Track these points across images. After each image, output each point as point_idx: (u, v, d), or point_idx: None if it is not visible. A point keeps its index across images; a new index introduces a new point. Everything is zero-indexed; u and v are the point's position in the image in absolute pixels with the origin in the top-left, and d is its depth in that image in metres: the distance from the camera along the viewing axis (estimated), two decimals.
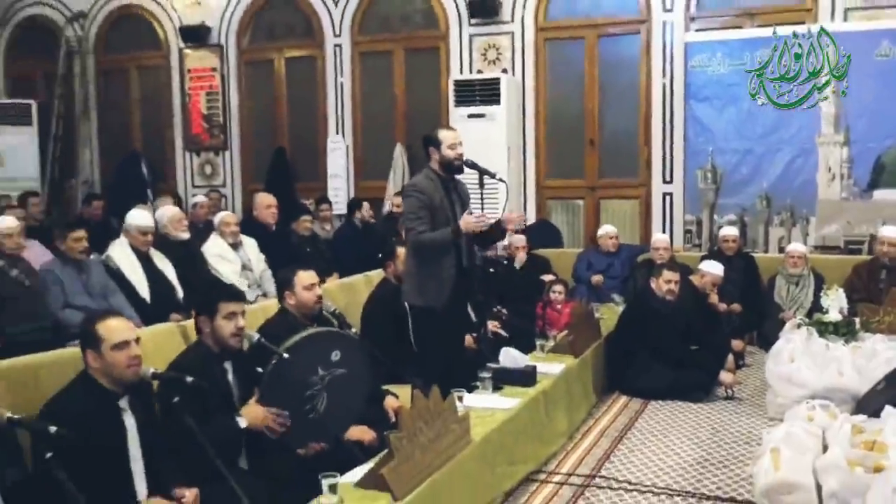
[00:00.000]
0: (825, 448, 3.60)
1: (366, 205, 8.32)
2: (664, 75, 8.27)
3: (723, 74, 7.72)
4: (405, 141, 9.12)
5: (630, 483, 4.15)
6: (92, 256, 5.52)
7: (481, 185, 4.48)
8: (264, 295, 6.08)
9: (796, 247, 7.06)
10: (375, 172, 9.35)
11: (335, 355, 3.59)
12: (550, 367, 4.89)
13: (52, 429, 2.46)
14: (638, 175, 8.53)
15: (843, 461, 3.35)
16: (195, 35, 9.97)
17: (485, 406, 4.10)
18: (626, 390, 5.69)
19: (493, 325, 5.76)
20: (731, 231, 7.33)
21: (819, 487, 3.39)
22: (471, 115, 8.39)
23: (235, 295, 3.60)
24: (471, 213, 4.32)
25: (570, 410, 4.97)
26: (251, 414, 3.32)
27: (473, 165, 4.47)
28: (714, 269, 6.31)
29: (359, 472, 3.13)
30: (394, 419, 3.95)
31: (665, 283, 5.76)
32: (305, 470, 3.21)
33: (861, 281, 6.68)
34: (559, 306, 6.55)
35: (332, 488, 2.89)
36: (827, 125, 7.42)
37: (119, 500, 2.82)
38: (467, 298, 4.67)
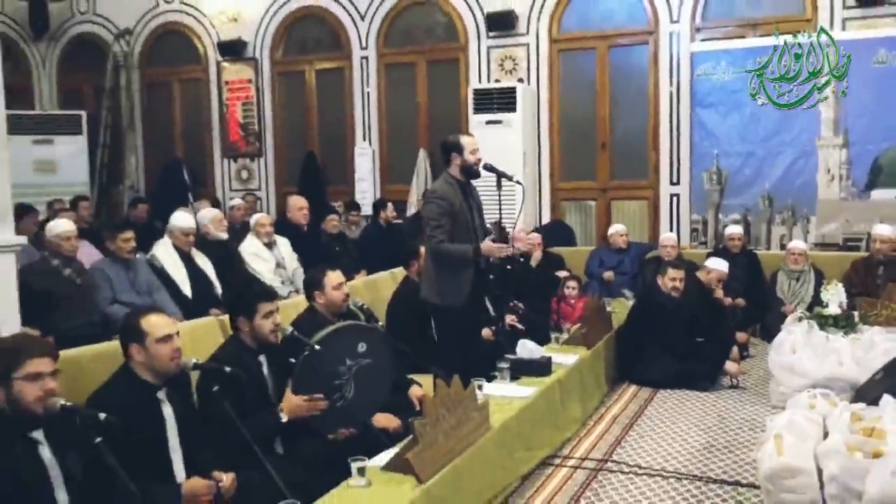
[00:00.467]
0: (826, 434, 3.56)
1: (390, 205, 8.32)
2: (671, 83, 8.22)
3: (726, 82, 7.67)
4: (428, 146, 9.12)
5: (640, 467, 4.13)
6: (138, 256, 5.56)
7: (499, 187, 4.47)
8: (296, 291, 6.09)
9: (797, 244, 7.01)
10: (400, 176, 9.36)
11: (361, 347, 3.61)
12: (565, 358, 4.87)
13: (102, 415, 2.47)
14: (647, 177, 8.48)
15: (843, 447, 3.32)
16: (232, 49, 10.03)
17: (503, 394, 4.10)
18: (636, 380, 5.65)
19: (510, 319, 5.74)
20: (735, 230, 7.29)
21: (820, 471, 3.35)
22: (489, 122, 8.39)
23: (271, 294, 3.64)
24: (493, 240, 4.32)
25: (584, 399, 4.95)
26: (291, 406, 3.35)
27: (492, 169, 4.46)
28: (719, 265, 6.26)
29: (385, 457, 3.13)
30: (418, 407, 3.95)
31: (670, 281, 5.72)
32: (336, 454, 3.23)
33: (859, 276, 6.63)
34: (573, 301, 6.53)
35: (361, 471, 2.90)
36: (826, 128, 7.35)
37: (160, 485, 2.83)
38: (484, 294, 4.67)
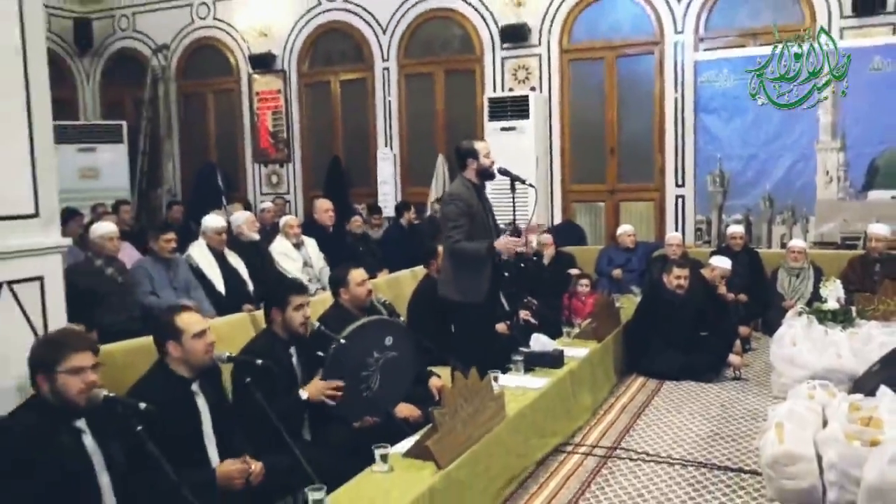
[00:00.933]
0: (825, 423, 3.54)
1: (412, 208, 8.34)
2: (676, 90, 8.17)
3: (728, 88, 7.62)
4: (446, 152, 9.12)
5: (648, 454, 4.11)
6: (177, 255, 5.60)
7: (513, 189, 4.46)
8: (323, 288, 6.11)
9: (797, 243, 6.95)
10: (420, 179, 9.36)
11: (388, 340, 3.62)
12: (576, 350, 4.86)
13: (142, 405, 2.48)
14: (653, 179, 8.43)
15: (842, 435, 3.29)
16: (262, 62, 10.08)
17: (518, 385, 4.10)
18: (644, 372, 5.63)
19: (524, 314, 5.73)
20: (737, 229, 7.23)
21: (819, 459, 3.33)
22: (503, 128, 8.38)
23: (302, 289, 3.68)
24: (507, 237, 4.31)
25: (594, 389, 4.94)
26: (311, 387, 3.38)
27: (506, 172, 4.45)
28: (722, 263, 6.23)
29: (407, 444, 3.14)
30: (437, 397, 3.95)
31: (675, 279, 5.69)
32: (360, 441, 3.24)
33: (856, 273, 6.58)
34: (584, 297, 6.51)
35: (384, 457, 2.91)
36: (824, 132, 7.28)
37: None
38: (500, 290, 4.66)
